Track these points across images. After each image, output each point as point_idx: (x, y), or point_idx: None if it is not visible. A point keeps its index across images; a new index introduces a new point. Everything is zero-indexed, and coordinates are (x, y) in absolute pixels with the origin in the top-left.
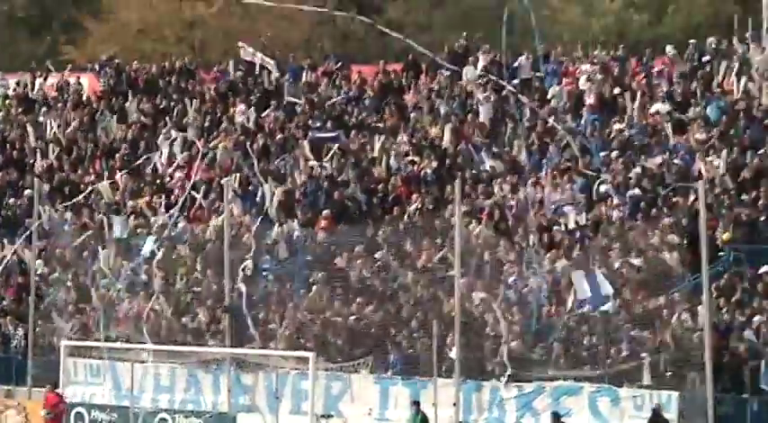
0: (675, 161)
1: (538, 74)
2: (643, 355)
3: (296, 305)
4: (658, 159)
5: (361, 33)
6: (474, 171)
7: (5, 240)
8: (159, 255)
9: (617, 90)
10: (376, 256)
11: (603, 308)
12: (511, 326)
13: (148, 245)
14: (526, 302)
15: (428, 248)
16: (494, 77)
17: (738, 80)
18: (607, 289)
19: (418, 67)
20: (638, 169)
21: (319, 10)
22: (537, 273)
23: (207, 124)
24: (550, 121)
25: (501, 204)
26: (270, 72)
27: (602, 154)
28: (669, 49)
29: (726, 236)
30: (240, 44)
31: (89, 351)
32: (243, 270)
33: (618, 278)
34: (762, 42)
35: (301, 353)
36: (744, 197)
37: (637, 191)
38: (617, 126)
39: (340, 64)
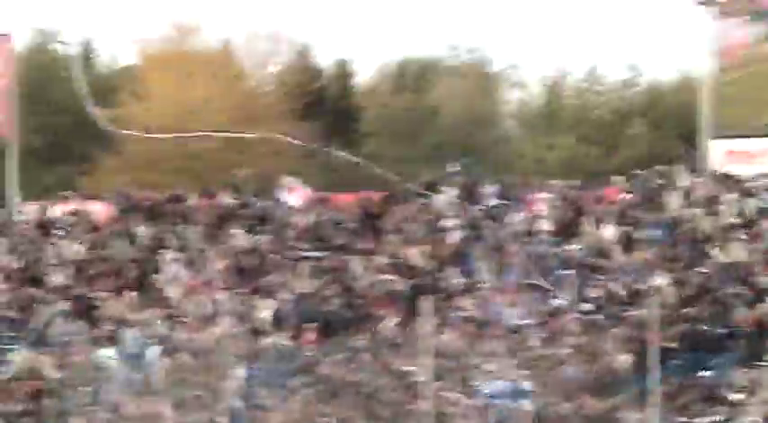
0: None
1: (502, 202)
2: None
3: (283, 407)
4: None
5: (342, 166)
6: (443, 287)
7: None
8: (160, 363)
9: (572, 215)
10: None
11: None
12: None
13: (152, 353)
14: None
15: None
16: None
17: (681, 206)
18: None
19: (394, 195)
20: (590, 286)
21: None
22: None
23: (205, 246)
24: (512, 244)
25: (468, 317)
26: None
27: (559, 272)
28: (619, 179)
29: (670, 344)
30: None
31: None
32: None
33: (572, 384)
34: (701, 175)
35: None
36: (686, 311)
37: (589, 306)
38: (572, 247)
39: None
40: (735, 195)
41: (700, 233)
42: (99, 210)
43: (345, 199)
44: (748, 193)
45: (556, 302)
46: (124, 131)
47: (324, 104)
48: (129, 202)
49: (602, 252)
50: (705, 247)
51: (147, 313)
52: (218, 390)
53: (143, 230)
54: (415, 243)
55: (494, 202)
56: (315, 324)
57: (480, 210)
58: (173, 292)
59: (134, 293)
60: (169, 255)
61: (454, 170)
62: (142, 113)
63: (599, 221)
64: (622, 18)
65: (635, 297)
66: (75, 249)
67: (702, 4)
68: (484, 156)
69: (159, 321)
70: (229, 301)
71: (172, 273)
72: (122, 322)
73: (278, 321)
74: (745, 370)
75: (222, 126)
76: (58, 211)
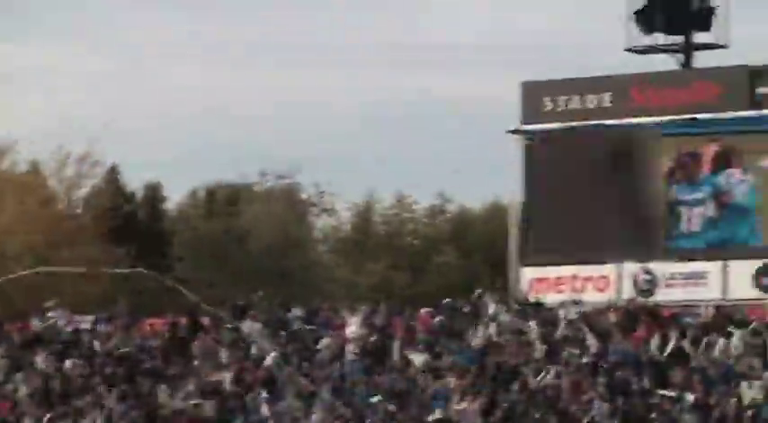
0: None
1: (309, 326)
2: None
3: None
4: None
5: (153, 288)
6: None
7: None
8: None
9: (381, 341)
10: None
11: None
12: None
13: None
14: None
15: None
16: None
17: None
18: None
19: (203, 320)
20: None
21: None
22: None
23: (11, 370)
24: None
25: None
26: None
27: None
28: (424, 309)
29: None
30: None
31: None
32: None
33: None
34: (508, 303)
35: None
36: None
37: None
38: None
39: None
40: (541, 323)
41: (507, 361)
42: None
43: (155, 323)
44: (553, 322)
45: None
46: None
47: (134, 227)
48: None
49: (412, 379)
50: (513, 374)
51: None
52: None
53: None
54: (223, 367)
55: (301, 326)
56: None
57: (289, 334)
58: None
59: None
60: None
61: (261, 296)
62: None
63: (408, 348)
64: (431, 143)
65: None
66: None
67: (512, 132)
68: (294, 280)
69: None
70: None
71: None
72: None
73: None
74: None
75: (35, 247)
76: None
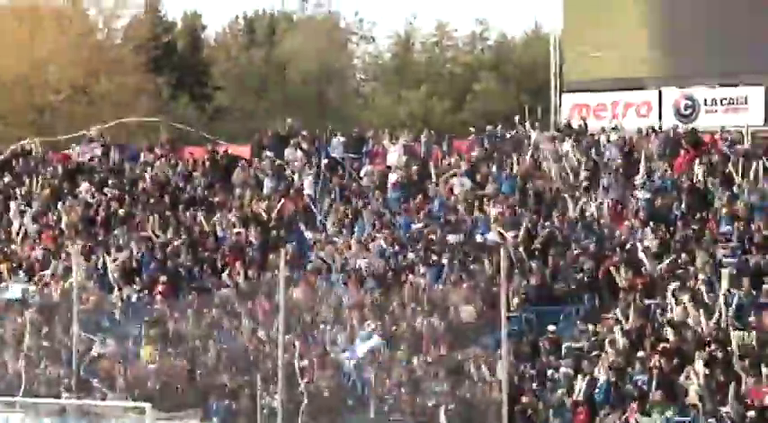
0: (475, 233)
1: (351, 155)
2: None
3: (133, 361)
4: (459, 235)
5: (193, 118)
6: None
7: None
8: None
9: (421, 169)
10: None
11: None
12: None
13: (17, 289)
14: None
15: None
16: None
17: (532, 160)
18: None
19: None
20: (440, 241)
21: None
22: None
23: (54, 199)
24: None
25: (319, 269)
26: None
27: (412, 226)
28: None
29: (516, 300)
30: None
31: None
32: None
33: (420, 337)
34: (550, 129)
35: (139, 403)
36: (534, 264)
37: (440, 259)
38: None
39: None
40: (582, 149)
41: (548, 187)
42: None
43: (195, 152)
44: (596, 147)
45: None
46: None
47: (174, 58)
48: None
49: (452, 206)
50: (554, 201)
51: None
52: (66, 344)
53: None
54: (265, 197)
55: (343, 155)
56: (165, 277)
57: (330, 163)
58: (21, 246)
59: None
60: (16, 208)
61: (301, 125)
62: None
63: (449, 175)
64: None
65: (483, 251)
66: None
67: None
68: (334, 109)
69: (8, 275)
70: (79, 255)
71: (20, 226)
72: None
73: (128, 275)
74: (592, 323)
75: (73, 79)
76: None
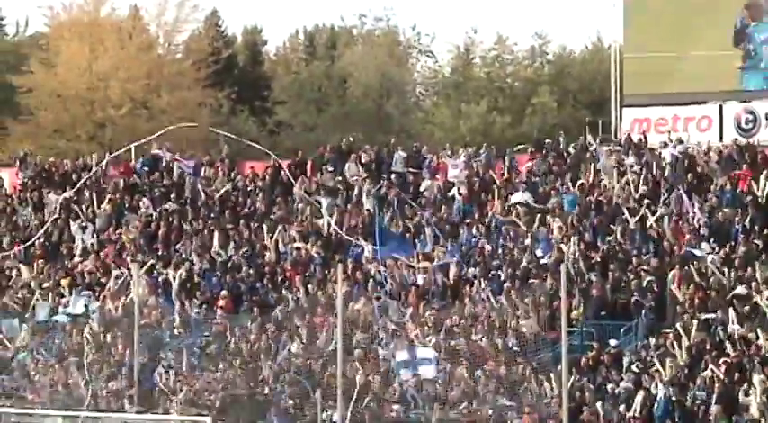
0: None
1: (411, 169)
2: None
3: (194, 375)
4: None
5: (254, 132)
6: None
7: None
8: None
9: (483, 183)
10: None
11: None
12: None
13: (80, 304)
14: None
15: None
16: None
17: (593, 175)
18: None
19: (305, 163)
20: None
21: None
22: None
23: (115, 215)
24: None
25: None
26: (172, 169)
27: (471, 240)
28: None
29: (574, 313)
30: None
31: (7, 417)
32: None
33: (480, 352)
34: (610, 143)
35: (199, 418)
36: (594, 278)
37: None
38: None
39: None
40: (643, 163)
41: (609, 201)
42: (8, 178)
43: (255, 167)
44: (657, 161)
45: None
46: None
47: (234, 72)
48: (36, 170)
49: (513, 220)
50: (614, 215)
51: (57, 282)
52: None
53: (52, 198)
54: (326, 211)
55: (404, 169)
56: (226, 292)
57: (391, 177)
58: (83, 262)
59: (43, 262)
60: (79, 223)
61: (362, 139)
62: (51, 81)
63: (510, 189)
64: None
65: (545, 265)
66: None
67: None
68: (394, 123)
69: (69, 290)
70: (140, 270)
71: (82, 241)
72: (32, 291)
73: (190, 289)
74: (652, 337)
75: (133, 94)
76: None
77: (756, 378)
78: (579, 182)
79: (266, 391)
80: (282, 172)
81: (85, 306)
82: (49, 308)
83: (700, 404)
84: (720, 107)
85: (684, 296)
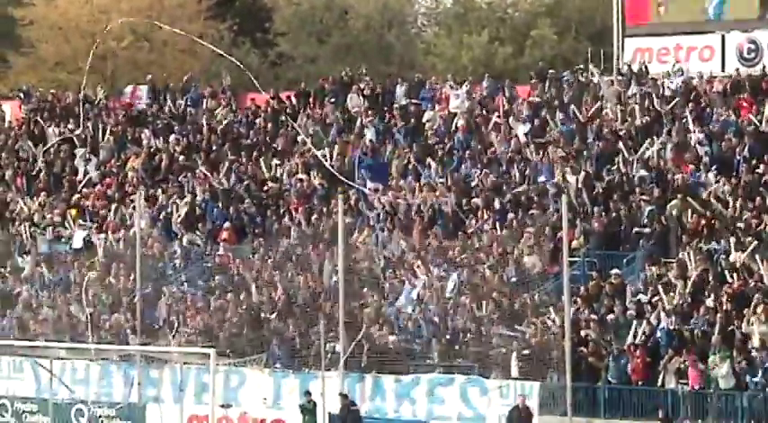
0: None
1: (414, 100)
2: (505, 349)
3: (198, 307)
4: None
5: (255, 65)
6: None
7: None
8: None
9: (485, 113)
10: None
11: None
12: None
13: (80, 236)
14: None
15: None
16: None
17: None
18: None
19: (307, 94)
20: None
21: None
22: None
23: (118, 147)
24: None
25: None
26: (175, 100)
27: (473, 171)
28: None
29: (575, 243)
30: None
31: (12, 349)
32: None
33: (486, 283)
34: (612, 74)
35: (203, 349)
36: (596, 209)
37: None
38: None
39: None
40: (645, 93)
41: (611, 131)
42: (10, 110)
43: (257, 98)
44: (658, 91)
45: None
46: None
47: (235, 4)
48: (37, 102)
49: (515, 150)
50: (617, 146)
51: (62, 214)
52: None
53: (54, 131)
54: (328, 142)
55: (406, 100)
56: (229, 223)
57: (393, 108)
58: (87, 194)
59: (46, 194)
60: (82, 155)
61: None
62: (52, 13)
63: (511, 119)
64: None
65: (545, 195)
66: None
67: None
68: (396, 55)
69: (73, 222)
70: (142, 202)
71: (85, 173)
72: (36, 224)
73: (193, 221)
74: (654, 267)
75: (134, 26)
76: None
77: (759, 308)
78: (581, 112)
79: (269, 322)
80: (284, 103)
81: (84, 240)
82: (48, 241)
83: (701, 334)
84: (723, 37)
85: (687, 225)
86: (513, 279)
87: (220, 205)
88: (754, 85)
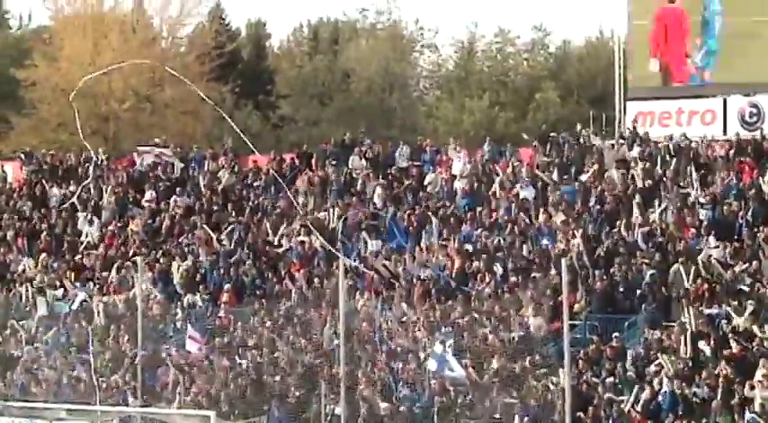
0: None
1: (415, 163)
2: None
3: (197, 369)
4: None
5: (258, 127)
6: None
7: None
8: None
9: (486, 177)
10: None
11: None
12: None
13: (79, 299)
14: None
15: (318, 318)
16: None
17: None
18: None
19: (309, 156)
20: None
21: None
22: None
23: (120, 208)
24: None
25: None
26: (172, 163)
27: (474, 233)
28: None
29: (577, 307)
30: (138, 148)
31: (11, 410)
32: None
33: (487, 346)
34: (614, 137)
35: (203, 411)
36: (597, 272)
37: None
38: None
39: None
40: (647, 157)
41: (612, 195)
42: (11, 171)
43: (258, 160)
44: (660, 155)
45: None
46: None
47: (238, 66)
48: (39, 164)
49: (517, 214)
50: (617, 209)
51: (63, 276)
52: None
53: (56, 192)
54: (329, 205)
55: (407, 163)
56: (229, 285)
57: (394, 171)
58: (88, 255)
59: (47, 255)
60: (85, 216)
61: (366, 133)
62: (55, 74)
63: (513, 183)
64: None
65: (547, 259)
66: None
67: None
68: (398, 118)
69: (74, 284)
70: (144, 264)
71: (87, 235)
72: (35, 284)
73: (194, 282)
74: (656, 331)
75: (137, 88)
76: None
77: (760, 373)
78: (582, 175)
79: (270, 384)
80: (284, 165)
81: (81, 303)
82: (47, 302)
83: (703, 399)
84: (725, 101)
85: (690, 287)
86: (515, 339)
87: (221, 268)
88: (757, 148)
